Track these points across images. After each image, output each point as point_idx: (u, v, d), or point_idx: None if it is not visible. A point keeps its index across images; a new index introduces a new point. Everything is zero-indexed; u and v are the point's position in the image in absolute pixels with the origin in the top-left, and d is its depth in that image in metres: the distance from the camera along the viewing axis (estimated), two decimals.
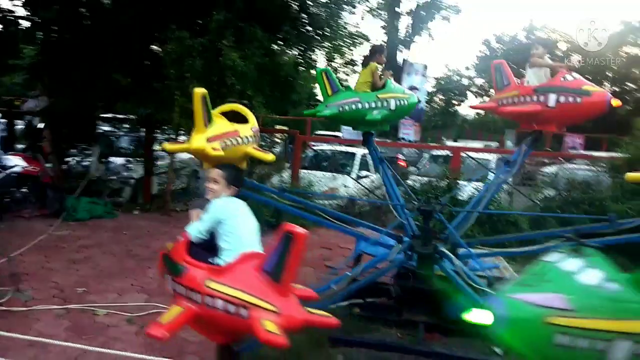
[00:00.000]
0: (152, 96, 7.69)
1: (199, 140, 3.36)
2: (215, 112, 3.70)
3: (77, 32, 8.05)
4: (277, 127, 15.49)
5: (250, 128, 3.85)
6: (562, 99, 4.20)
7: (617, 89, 30.22)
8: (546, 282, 2.01)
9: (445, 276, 4.22)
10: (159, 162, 10.12)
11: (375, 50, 5.05)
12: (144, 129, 9.54)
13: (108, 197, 9.06)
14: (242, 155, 3.76)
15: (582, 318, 1.84)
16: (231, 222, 2.72)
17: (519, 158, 4.87)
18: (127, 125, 10.06)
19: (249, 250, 2.54)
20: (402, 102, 4.83)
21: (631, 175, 3.74)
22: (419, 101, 4.36)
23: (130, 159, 9.95)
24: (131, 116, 9.03)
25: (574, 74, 4.36)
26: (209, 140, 3.39)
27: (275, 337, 2.04)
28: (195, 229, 2.74)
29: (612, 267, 1.95)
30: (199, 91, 3.44)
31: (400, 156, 17.20)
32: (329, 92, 4.92)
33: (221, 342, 2.74)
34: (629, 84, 30.67)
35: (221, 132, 3.53)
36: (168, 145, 3.93)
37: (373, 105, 4.76)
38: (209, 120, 3.48)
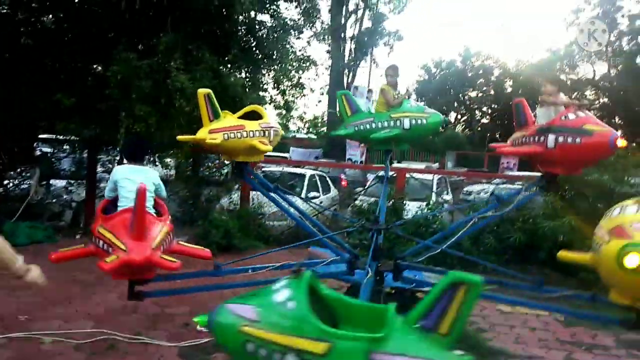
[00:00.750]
0: (97, 117, 7.52)
1: (201, 131, 4.09)
2: (235, 115, 4.45)
3: (17, 51, 7.80)
4: None
5: (259, 124, 4.42)
6: (560, 139, 3.80)
7: None
8: (253, 297, 2.29)
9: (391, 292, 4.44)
10: (102, 185, 9.84)
11: (387, 71, 5.27)
12: (86, 150, 9.28)
13: (48, 221, 8.70)
14: (247, 147, 4.27)
15: (263, 330, 2.06)
16: (121, 183, 3.66)
17: (517, 198, 4.55)
18: (69, 147, 9.74)
19: (129, 203, 3.37)
20: (419, 121, 4.89)
21: (562, 255, 3.52)
22: (445, 120, 4.59)
23: (72, 181, 9.61)
24: (73, 137, 8.76)
25: (581, 112, 3.92)
26: (210, 132, 4.05)
27: (107, 265, 2.84)
28: (106, 190, 3.86)
29: (304, 289, 2.13)
30: (202, 91, 4.09)
31: (342, 176, 17.57)
32: (349, 112, 5.21)
33: (124, 279, 3.47)
34: None
35: (225, 125, 4.16)
36: (179, 137, 4.63)
37: (385, 124, 4.91)
38: (214, 116, 4.14)
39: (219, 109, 4.24)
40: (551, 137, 3.86)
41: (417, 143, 5.48)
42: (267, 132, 4.48)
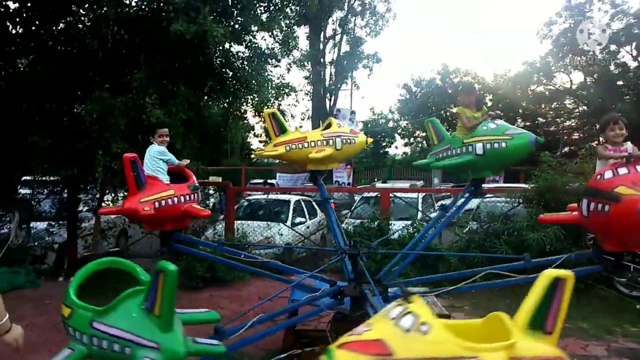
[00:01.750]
0: (73, 157, 7.47)
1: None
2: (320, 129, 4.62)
3: None
4: (212, 178, 15.38)
5: (321, 134, 4.61)
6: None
7: (529, 124, 32.77)
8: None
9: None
10: (83, 224, 9.70)
11: (459, 91, 4.97)
12: (66, 191, 9.18)
13: (31, 265, 8.53)
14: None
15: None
16: None
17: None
18: (48, 188, 9.64)
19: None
20: (495, 145, 4.28)
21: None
22: (539, 140, 4.28)
23: (53, 222, 9.47)
24: (52, 178, 8.67)
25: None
26: (275, 145, 4.47)
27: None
28: None
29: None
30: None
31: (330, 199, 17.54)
32: (435, 140, 4.91)
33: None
34: (539, 118, 33.40)
35: (288, 139, 4.51)
36: (256, 152, 4.83)
37: (458, 151, 4.50)
38: (280, 131, 4.54)
39: (286, 125, 4.82)
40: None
41: (498, 169, 4.77)
42: (330, 141, 4.69)
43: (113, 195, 8.45)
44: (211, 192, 14.83)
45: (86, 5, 7.81)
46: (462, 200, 4.92)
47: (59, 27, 8.12)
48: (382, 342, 1.96)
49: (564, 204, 7.73)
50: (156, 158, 4.30)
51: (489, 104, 35.24)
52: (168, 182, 4.25)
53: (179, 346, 2.24)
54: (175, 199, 4.06)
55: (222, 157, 20.70)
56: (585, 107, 31.16)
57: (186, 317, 2.82)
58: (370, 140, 5.25)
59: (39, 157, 7.34)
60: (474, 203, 14.18)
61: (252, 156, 27.18)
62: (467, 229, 9.31)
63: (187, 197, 4.24)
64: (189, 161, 4.68)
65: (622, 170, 3.18)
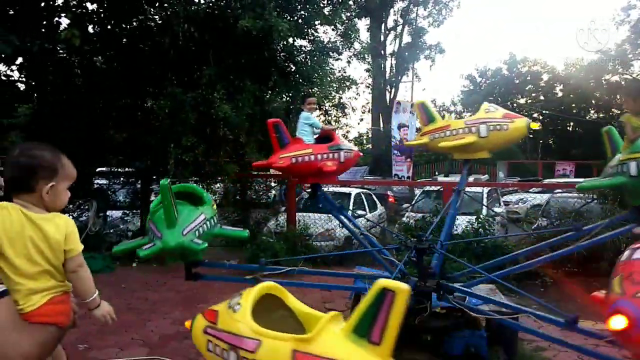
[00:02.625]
0: (147, 149, 7.86)
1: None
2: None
3: (71, 91, 8.30)
4: (272, 171, 15.67)
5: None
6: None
7: (602, 115, 30.92)
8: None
9: (441, 313, 4.31)
10: None
11: (627, 95, 3.83)
12: (140, 181, 9.68)
13: (107, 251, 9.08)
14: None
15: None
16: None
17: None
18: (123, 178, 10.22)
19: None
20: None
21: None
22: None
23: (127, 211, 10.02)
24: (127, 169, 9.18)
25: None
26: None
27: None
28: None
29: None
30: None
31: (389, 193, 17.39)
32: (609, 153, 4.18)
33: None
34: (614, 110, 31.45)
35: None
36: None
37: (616, 170, 3.63)
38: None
39: (435, 114, 4.80)
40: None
41: None
42: (473, 128, 4.63)
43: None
44: (272, 184, 15.17)
45: (157, 4, 8.18)
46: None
47: (133, 26, 8.56)
48: (216, 313, 2.40)
49: None
50: (302, 122, 4.81)
51: (560, 94, 33.60)
52: (310, 142, 4.74)
53: (171, 239, 3.14)
54: (312, 156, 4.51)
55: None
56: None
57: (220, 231, 3.82)
58: (535, 125, 5.03)
59: (115, 150, 7.79)
60: (543, 198, 13.62)
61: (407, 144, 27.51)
62: (535, 225, 8.97)
63: (325, 155, 4.61)
64: (334, 126, 5.08)
65: None
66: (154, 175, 9.28)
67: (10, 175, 1.55)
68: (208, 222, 3.88)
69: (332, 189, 12.03)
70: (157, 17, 8.51)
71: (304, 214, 9.87)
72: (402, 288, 1.91)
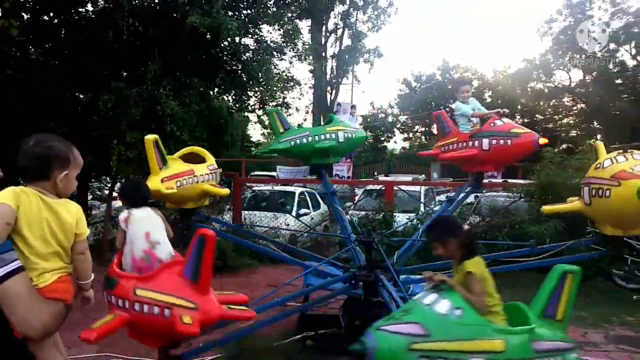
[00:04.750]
0: (88, 145, 7.63)
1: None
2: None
3: (5, 83, 7.89)
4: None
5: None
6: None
7: (527, 120, 32.96)
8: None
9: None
10: (93, 212, 9.89)
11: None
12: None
13: None
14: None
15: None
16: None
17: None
18: None
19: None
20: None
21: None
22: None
23: None
24: None
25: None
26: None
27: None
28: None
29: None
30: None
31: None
32: None
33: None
34: (538, 115, 33.66)
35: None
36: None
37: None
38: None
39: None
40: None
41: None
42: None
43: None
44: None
45: None
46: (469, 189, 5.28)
47: (73, 18, 8.25)
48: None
49: (564, 198, 8.04)
50: (457, 115, 5.00)
51: (488, 100, 35.50)
52: (467, 131, 4.85)
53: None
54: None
55: (222, 149, 20.90)
56: (583, 105, 31.41)
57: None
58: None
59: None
60: (473, 197, 14.43)
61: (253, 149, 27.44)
62: (468, 222, 9.54)
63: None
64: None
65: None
66: (94, 172, 9.00)
67: (27, 164, 1.63)
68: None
69: (276, 187, 12.17)
70: (98, 9, 8.27)
71: (250, 212, 9.93)
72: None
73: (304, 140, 5.06)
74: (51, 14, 8.04)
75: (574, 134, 31.16)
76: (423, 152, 5.92)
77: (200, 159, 4.63)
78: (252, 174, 24.50)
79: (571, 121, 32.50)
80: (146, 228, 2.88)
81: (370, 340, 2.22)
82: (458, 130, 4.96)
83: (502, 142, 4.49)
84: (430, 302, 2.35)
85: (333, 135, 5.07)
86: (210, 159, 4.50)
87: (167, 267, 2.59)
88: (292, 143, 5.08)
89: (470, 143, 4.67)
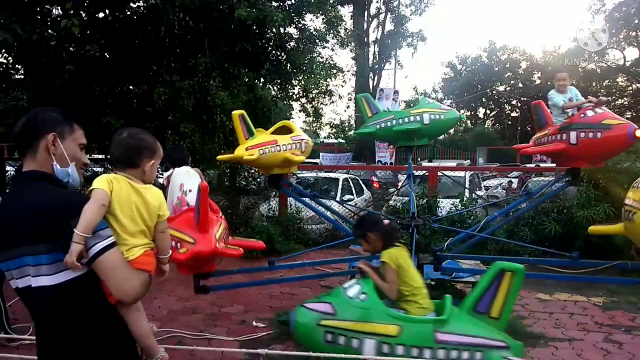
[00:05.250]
0: None
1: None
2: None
3: (64, 78, 8.41)
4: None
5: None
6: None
7: None
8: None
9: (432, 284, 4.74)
10: None
11: None
12: None
13: None
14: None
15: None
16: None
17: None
18: None
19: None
20: None
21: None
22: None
23: None
24: None
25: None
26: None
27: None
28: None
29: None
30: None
31: (374, 178, 17.82)
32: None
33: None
34: (589, 96, 32.31)
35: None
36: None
37: None
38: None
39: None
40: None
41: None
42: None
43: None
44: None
45: None
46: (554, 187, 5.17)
47: (126, 14, 8.67)
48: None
49: (614, 182, 7.86)
50: (550, 105, 4.73)
51: (537, 82, 34.36)
52: (559, 123, 4.55)
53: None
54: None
55: None
56: (639, 85, 29.90)
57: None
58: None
59: (113, 136, 7.95)
60: (505, 182, 14.18)
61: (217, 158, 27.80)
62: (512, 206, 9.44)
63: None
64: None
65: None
66: None
67: (120, 153, 1.87)
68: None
69: (321, 174, 12.39)
70: (149, 4, 8.64)
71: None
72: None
73: (388, 124, 5.27)
74: (106, 11, 8.47)
75: (629, 116, 29.75)
76: (517, 145, 5.73)
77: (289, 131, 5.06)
78: None
79: (625, 102, 31.00)
80: (182, 180, 3.80)
81: (294, 314, 2.61)
82: (552, 122, 4.67)
83: (591, 135, 4.08)
84: (347, 286, 2.65)
85: (417, 118, 5.11)
86: (296, 131, 4.95)
87: (184, 212, 3.35)
88: (377, 127, 5.34)
89: (559, 136, 4.34)
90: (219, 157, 5.03)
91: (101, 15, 8.60)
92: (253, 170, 12.30)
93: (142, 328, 1.85)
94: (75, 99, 8.14)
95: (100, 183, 1.75)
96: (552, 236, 7.72)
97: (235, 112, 4.48)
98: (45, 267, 1.65)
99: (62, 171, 1.82)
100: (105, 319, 1.77)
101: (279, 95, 11.04)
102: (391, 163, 22.67)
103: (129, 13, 8.70)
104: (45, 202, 1.68)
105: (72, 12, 6.98)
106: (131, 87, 8.64)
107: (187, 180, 3.83)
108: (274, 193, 10.97)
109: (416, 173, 12.47)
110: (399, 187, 12.90)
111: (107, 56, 8.59)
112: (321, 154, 24.68)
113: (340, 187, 11.30)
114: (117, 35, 8.56)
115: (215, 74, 7.50)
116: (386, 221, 3.15)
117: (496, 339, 2.33)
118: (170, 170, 4.21)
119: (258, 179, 13.82)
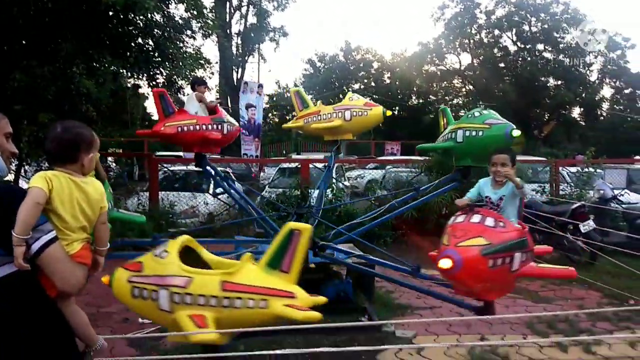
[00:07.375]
0: None
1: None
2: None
3: None
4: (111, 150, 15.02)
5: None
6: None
7: (422, 101, 35.19)
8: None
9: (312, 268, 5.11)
10: None
11: None
12: None
13: None
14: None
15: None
16: None
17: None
18: None
19: None
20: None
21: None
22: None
23: None
24: None
25: None
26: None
27: None
28: None
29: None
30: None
31: (229, 170, 17.86)
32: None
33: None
34: (431, 96, 36.07)
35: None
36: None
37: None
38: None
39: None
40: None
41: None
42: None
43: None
44: (112, 164, 14.67)
45: None
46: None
47: None
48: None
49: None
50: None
51: (387, 81, 37.31)
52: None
53: None
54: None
55: (118, 128, 20.10)
56: (471, 87, 34.21)
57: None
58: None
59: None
60: (378, 174, 15.51)
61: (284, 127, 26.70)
62: (376, 195, 10.38)
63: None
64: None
65: None
66: None
67: (57, 149, 1.82)
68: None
69: (190, 167, 12.15)
70: None
71: (166, 192, 9.91)
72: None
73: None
74: None
75: (462, 114, 33.87)
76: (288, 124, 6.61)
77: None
78: (157, 154, 23.75)
79: (460, 102, 35.21)
80: None
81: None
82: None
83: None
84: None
85: (452, 135, 4.58)
86: (346, 101, 5.66)
87: None
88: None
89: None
90: (285, 125, 6.86)
91: None
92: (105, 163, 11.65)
93: (81, 318, 1.87)
94: None
95: (37, 181, 1.73)
96: (409, 220, 8.67)
97: (293, 89, 5.65)
98: None
99: None
100: (44, 312, 1.76)
101: (150, 85, 10.55)
102: (257, 156, 22.94)
103: None
104: None
105: None
106: None
107: None
108: (145, 187, 10.53)
109: (289, 165, 12.95)
110: (271, 180, 13.22)
111: None
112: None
113: (212, 181, 11.21)
114: None
115: (79, 61, 6.99)
116: None
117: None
118: None
119: (122, 173, 13.08)
